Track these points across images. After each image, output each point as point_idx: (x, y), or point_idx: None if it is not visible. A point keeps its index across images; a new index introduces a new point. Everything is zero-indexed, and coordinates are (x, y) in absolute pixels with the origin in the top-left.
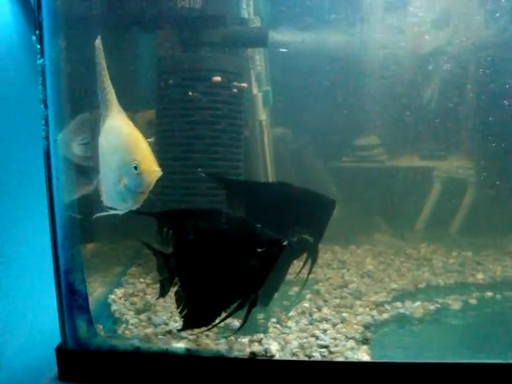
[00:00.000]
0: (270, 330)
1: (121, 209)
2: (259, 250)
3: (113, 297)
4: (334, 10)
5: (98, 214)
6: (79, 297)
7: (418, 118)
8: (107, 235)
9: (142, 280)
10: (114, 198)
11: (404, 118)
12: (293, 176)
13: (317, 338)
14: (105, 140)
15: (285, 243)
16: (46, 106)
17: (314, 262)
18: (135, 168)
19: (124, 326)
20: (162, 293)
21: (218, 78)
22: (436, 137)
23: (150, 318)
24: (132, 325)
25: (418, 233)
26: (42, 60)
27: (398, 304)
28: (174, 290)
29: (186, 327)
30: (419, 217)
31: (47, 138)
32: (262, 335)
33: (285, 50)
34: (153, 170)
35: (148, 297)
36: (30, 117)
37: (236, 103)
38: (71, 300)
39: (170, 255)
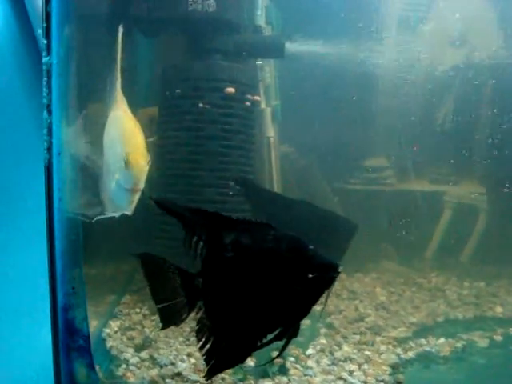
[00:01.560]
0: (291, 371)
1: (116, 211)
2: (311, 275)
3: (108, 331)
4: (347, 23)
5: (98, 217)
6: (79, 337)
7: (429, 139)
8: (94, 256)
9: (137, 310)
10: (111, 197)
11: (415, 139)
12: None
13: (345, 380)
14: (106, 132)
15: (340, 269)
16: (49, 112)
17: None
18: (124, 162)
19: (124, 366)
20: (175, 320)
21: (231, 89)
22: (448, 160)
23: (152, 357)
24: (133, 365)
25: (428, 261)
26: (48, 58)
27: (422, 341)
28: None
29: (212, 370)
30: (429, 244)
31: (49, 149)
32: (285, 379)
33: None
34: (139, 163)
35: (147, 330)
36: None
37: (249, 118)
38: (69, 341)
39: (196, 274)
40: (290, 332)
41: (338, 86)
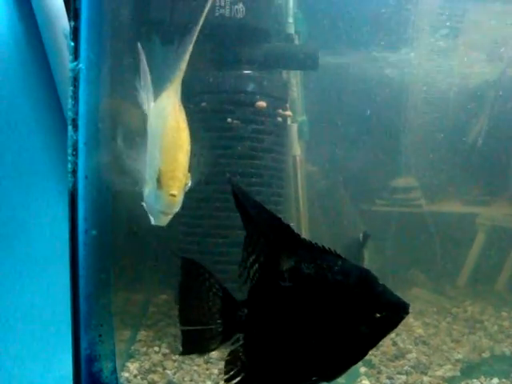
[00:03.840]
0: None
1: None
2: (378, 314)
3: (126, 374)
4: (379, 34)
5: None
6: None
7: (461, 157)
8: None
9: (156, 349)
10: (145, 200)
11: (446, 158)
12: (321, 219)
13: None
14: (150, 123)
15: (411, 310)
16: (75, 128)
17: None
18: (157, 180)
19: None
20: (202, 349)
21: (262, 104)
22: (480, 179)
23: None
24: None
25: (460, 288)
26: (75, 63)
27: (475, 382)
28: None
29: None
30: (461, 270)
31: (74, 172)
32: None
33: None
34: (171, 189)
35: (169, 372)
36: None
37: (281, 134)
38: None
39: (241, 302)
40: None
41: (365, 102)
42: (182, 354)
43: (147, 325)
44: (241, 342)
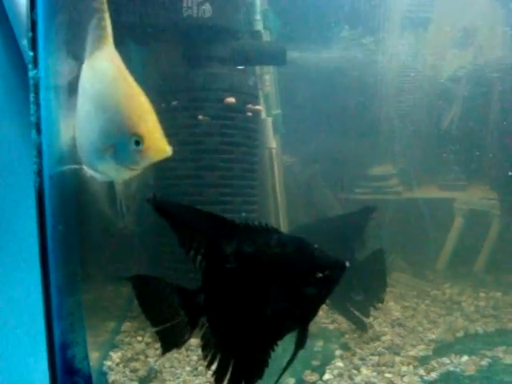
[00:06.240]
0: None
1: (98, 177)
2: (319, 275)
3: (109, 363)
4: (349, 26)
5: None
6: (80, 378)
7: (436, 144)
8: (90, 279)
9: (139, 338)
10: (92, 161)
11: (422, 145)
12: (301, 209)
13: None
14: (90, 83)
15: (347, 264)
16: (39, 131)
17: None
18: (136, 143)
19: None
20: (177, 343)
21: (231, 99)
22: (456, 165)
23: None
24: None
25: (440, 271)
26: (35, 71)
27: (445, 360)
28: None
29: None
30: (440, 254)
31: (40, 172)
32: None
33: None
34: (161, 148)
35: (151, 360)
36: None
37: (251, 129)
38: (69, 382)
39: (196, 290)
40: (297, 342)
41: (340, 92)
42: (163, 352)
43: (132, 316)
44: (206, 326)
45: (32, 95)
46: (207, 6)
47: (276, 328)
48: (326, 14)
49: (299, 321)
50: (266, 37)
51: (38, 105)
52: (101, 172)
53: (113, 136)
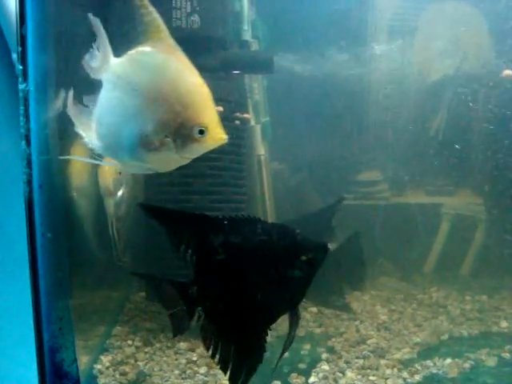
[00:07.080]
0: None
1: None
2: (304, 258)
3: (99, 367)
4: (336, 35)
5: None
6: (69, 381)
7: (424, 150)
8: (82, 284)
9: (129, 342)
10: (115, 150)
11: (409, 151)
12: (290, 215)
13: None
14: (138, 77)
15: (330, 247)
16: (28, 143)
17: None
18: (200, 132)
19: None
20: (177, 330)
21: (219, 108)
22: (443, 171)
23: None
24: None
25: (427, 275)
26: (24, 85)
27: (429, 362)
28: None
29: (234, 379)
30: (428, 258)
31: (29, 182)
32: None
33: None
34: (221, 137)
35: (140, 364)
36: None
37: (239, 137)
38: None
39: (189, 283)
40: (291, 324)
41: (328, 99)
42: (173, 336)
43: (123, 321)
44: (203, 316)
45: (22, 108)
46: (196, 17)
47: (268, 312)
48: (313, 23)
49: (289, 303)
50: (255, 46)
51: (27, 117)
52: (147, 164)
53: (172, 127)
